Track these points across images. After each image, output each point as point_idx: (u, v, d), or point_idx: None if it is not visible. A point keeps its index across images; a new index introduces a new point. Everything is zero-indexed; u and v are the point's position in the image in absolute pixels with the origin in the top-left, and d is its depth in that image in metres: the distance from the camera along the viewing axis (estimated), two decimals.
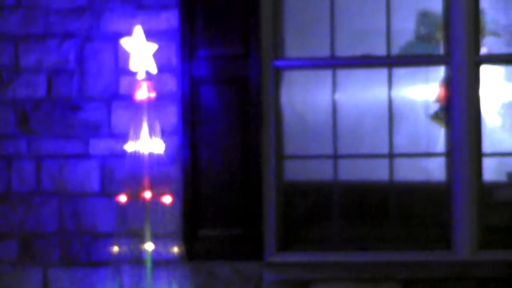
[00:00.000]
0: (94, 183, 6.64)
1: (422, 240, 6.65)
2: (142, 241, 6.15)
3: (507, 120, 7.20)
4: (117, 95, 6.64)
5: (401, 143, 6.90)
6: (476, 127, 6.52)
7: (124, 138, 6.25)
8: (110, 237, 6.45)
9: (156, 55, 6.27)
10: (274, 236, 6.57)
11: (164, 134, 6.28)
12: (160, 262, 6.21)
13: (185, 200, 6.54)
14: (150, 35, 6.32)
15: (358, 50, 6.88)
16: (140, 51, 6.23)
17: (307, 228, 6.80)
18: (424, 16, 7.22)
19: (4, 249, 6.66)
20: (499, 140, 7.03)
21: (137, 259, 6.24)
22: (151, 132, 6.19)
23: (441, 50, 6.74)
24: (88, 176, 6.64)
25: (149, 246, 6.12)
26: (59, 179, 6.66)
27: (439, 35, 6.86)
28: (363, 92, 7.01)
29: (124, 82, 6.58)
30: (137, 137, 6.15)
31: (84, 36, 6.69)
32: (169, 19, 6.62)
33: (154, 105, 6.24)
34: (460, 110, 6.51)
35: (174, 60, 6.60)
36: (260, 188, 6.53)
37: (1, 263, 6.68)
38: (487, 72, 6.68)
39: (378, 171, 6.78)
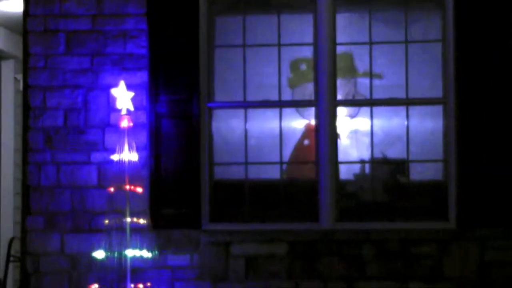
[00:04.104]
0: (93, 180, 6.87)
1: (300, 216, 6.86)
2: (124, 216, 6.43)
3: (353, 140, 7.13)
4: (108, 124, 6.87)
5: (287, 155, 7.12)
6: (334, 145, 6.85)
7: (113, 151, 6.53)
8: (103, 213, 6.71)
9: (133, 99, 6.55)
10: (208, 213, 6.83)
11: (138, 149, 6.56)
12: (135, 229, 6.44)
13: (151, 190, 6.78)
14: (129, 86, 6.61)
15: (261, 96, 7.06)
16: (123, 97, 6.54)
17: (228, 208, 6.96)
18: (302, 76, 7.19)
19: (35, 222, 6.88)
20: (349, 153, 7.09)
21: (121, 228, 6.44)
22: (130, 148, 6.49)
23: (313, 97, 6.93)
24: (89, 175, 6.87)
25: (128, 220, 6.42)
26: (71, 177, 6.88)
27: (311, 87, 6.98)
28: (263, 123, 7.07)
29: (113, 116, 6.83)
30: (121, 151, 6.47)
31: (88, 87, 6.91)
32: (142, 77, 6.85)
33: (132, 131, 6.54)
34: (324, 134, 6.83)
35: (144, 102, 6.83)
36: (199, 183, 6.79)
37: (33, 231, 6.87)
38: (341, 111, 6.98)
39: (273, 172, 7.02)
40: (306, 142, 7.24)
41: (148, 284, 6.60)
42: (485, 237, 6.67)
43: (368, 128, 7.04)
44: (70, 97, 6.96)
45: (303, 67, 7.22)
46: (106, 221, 6.54)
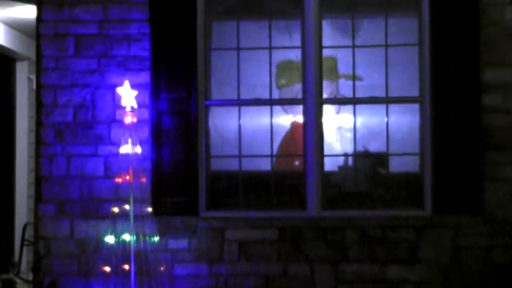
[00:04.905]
0: (100, 171, 6.86)
1: (289, 204, 6.91)
2: (128, 204, 6.48)
3: (338, 135, 7.15)
4: (114, 120, 6.87)
5: (277, 148, 7.13)
6: (320, 139, 6.84)
7: (118, 145, 6.59)
8: (109, 201, 6.74)
9: (136, 97, 6.59)
10: (205, 202, 6.84)
11: (141, 143, 6.62)
12: (139, 216, 6.51)
13: (153, 180, 6.78)
14: (133, 86, 6.64)
15: (253, 95, 7.05)
16: (127, 95, 6.56)
17: (224, 197, 6.97)
18: (291, 76, 7.18)
19: (48, 209, 6.88)
20: (333, 147, 7.13)
21: (125, 214, 6.48)
22: (134, 141, 6.51)
23: (300, 95, 6.91)
24: (97, 166, 6.86)
25: (132, 207, 6.47)
26: (80, 168, 6.88)
27: (299, 87, 6.95)
28: (256, 120, 7.07)
29: (118, 112, 6.83)
30: (125, 144, 6.49)
31: (95, 86, 6.89)
32: (144, 77, 6.84)
33: (135, 126, 6.58)
34: (311, 130, 6.82)
35: (147, 100, 6.82)
36: (196, 174, 6.80)
37: (45, 217, 6.88)
38: (326, 108, 6.96)
39: (264, 164, 7.05)
40: (294, 137, 7.24)
41: (150, 265, 6.65)
42: (457, 224, 6.72)
43: (351, 124, 7.05)
44: (79, 95, 6.97)
45: (292, 68, 7.22)
46: (112, 209, 6.58)
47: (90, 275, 6.81)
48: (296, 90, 7.17)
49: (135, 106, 6.64)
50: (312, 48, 6.92)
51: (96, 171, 6.93)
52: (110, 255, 6.59)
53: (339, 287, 6.78)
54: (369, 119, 7.10)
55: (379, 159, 7.06)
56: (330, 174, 7.09)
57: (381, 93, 7.00)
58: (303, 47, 6.96)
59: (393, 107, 6.99)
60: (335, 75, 7.27)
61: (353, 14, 7.03)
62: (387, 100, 6.99)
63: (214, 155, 7.05)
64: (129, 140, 6.55)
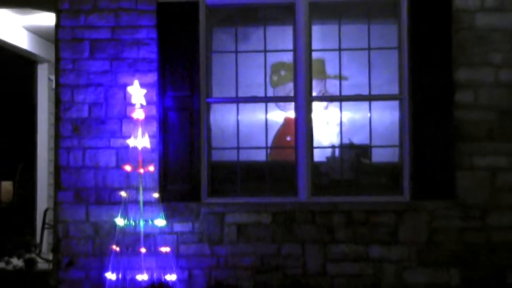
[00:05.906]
0: (112, 162, 6.88)
1: (282, 191, 6.93)
2: (138, 191, 6.58)
3: (325, 129, 7.15)
4: (125, 116, 6.88)
5: (272, 141, 7.18)
6: (310, 133, 6.88)
7: (128, 138, 6.68)
8: (121, 189, 6.75)
9: (145, 95, 6.70)
10: (206, 189, 6.89)
11: (149, 136, 6.72)
12: (147, 202, 6.63)
13: (160, 170, 6.82)
14: (142, 85, 6.76)
15: (250, 93, 7.09)
16: (137, 93, 6.65)
17: (224, 185, 7.01)
18: (283, 76, 7.20)
19: (65, 196, 6.92)
20: (322, 140, 7.16)
21: (135, 201, 6.58)
22: (143, 135, 6.61)
23: (292, 93, 6.92)
24: (109, 158, 6.88)
25: (141, 194, 6.55)
26: (94, 159, 6.91)
27: (291, 86, 6.95)
28: (252, 115, 7.09)
29: (128, 109, 6.86)
30: (135, 138, 6.59)
31: (108, 85, 6.92)
32: (152, 77, 6.86)
33: (144, 121, 6.70)
34: (302, 124, 6.85)
35: (155, 98, 6.85)
36: (199, 164, 6.83)
37: (63, 203, 6.92)
38: (315, 105, 7.00)
39: (260, 155, 7.09)
40: (286, 131, 7.28)
41: (158, 247, 6.71)
42: (433, 208, 6.79)
43: (338, 119, 7.10)
44: (94, 93, 7.00)
45: (285, 69, 7.28)
46: (123, 195, 6.65)
47: (104, 255, 6.87)
48: (288, 88, 7.21)
49: (144, 103, 6.71)
50: (302, 51, 6.96)
51: (109, 162, 6.96)
52: (122, 237, 6.64)
53: (327, 265, 6.83)
54: (354, 114, 7.15)
55: (363, 151, 7.08)
56: (319, 164, 7.12)
57: (364, 91, 7.04)
58: (295, 50, 7.01)
59: (375, 104, 7.04)
60: (323, 75, 7.32)
61: (340, 21, 7.06)
62: (370, 98, 7.03)
63: (214, 147, 7.09)
64: (139, 134, 6.59)
